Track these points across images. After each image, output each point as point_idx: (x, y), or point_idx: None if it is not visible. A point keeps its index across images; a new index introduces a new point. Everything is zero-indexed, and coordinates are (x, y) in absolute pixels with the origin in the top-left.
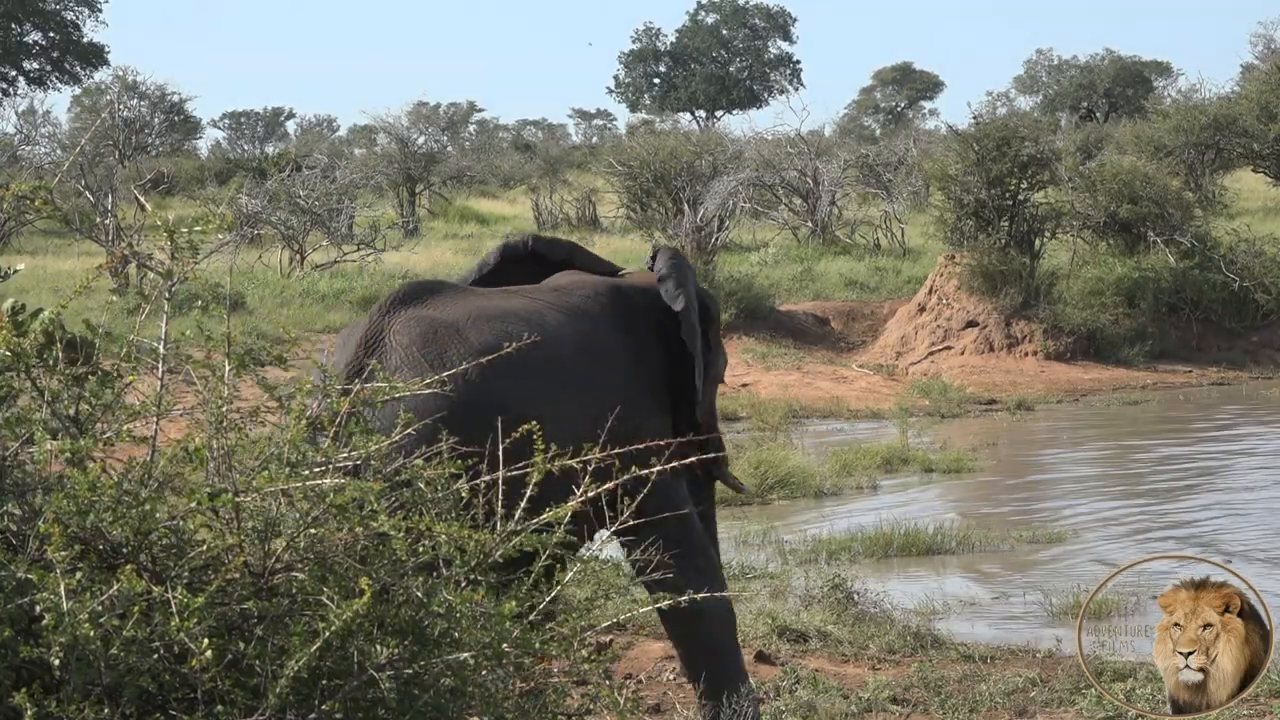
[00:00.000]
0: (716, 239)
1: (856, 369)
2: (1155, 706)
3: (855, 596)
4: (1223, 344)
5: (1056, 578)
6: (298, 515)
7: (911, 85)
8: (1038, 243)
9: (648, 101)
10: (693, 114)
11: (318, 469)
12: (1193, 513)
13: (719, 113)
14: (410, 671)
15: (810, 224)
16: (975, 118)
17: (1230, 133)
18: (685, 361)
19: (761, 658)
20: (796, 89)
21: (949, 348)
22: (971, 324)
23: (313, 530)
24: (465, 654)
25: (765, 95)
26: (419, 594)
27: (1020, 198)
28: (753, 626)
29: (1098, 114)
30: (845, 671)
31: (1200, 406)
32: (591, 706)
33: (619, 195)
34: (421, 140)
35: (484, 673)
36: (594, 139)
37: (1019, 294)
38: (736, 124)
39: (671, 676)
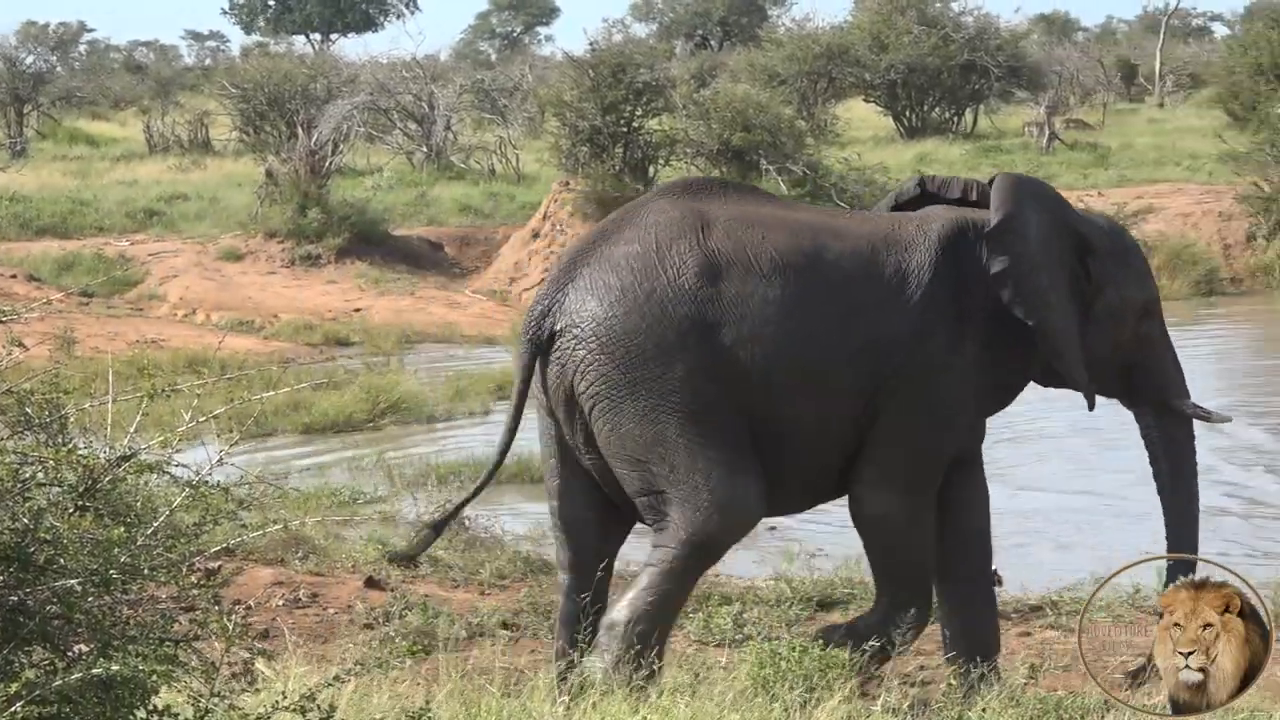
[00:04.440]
0: (330, 163)
1: (470, 295)
2: (762, 630)
3: (466, 522)
4: None
5: None
6: None
7: (528, 11)
8: (652, 169)
9: (262, 24)
10: (308, 37)
11: None
12: None
13: (334, 36)
14: (15, 599)
15: (425, 149)
16: (591, 44)
17: (842, 62)
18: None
19: (371, 583)
20: (412, 13)
21: None
22: None
23: None
24: (72, 580)
25: (381, 19)
26: (25, 519)
27: (635, 125)
28: (363, 552)
29: (712, 42)
30: (456, 597)
31: None
32: (200, 632)
33: (232, 118)
34: (30, 60)
35: (91, 600)
36: (207, 61)
37: None
38: (352, 47)
39: (281, 603)
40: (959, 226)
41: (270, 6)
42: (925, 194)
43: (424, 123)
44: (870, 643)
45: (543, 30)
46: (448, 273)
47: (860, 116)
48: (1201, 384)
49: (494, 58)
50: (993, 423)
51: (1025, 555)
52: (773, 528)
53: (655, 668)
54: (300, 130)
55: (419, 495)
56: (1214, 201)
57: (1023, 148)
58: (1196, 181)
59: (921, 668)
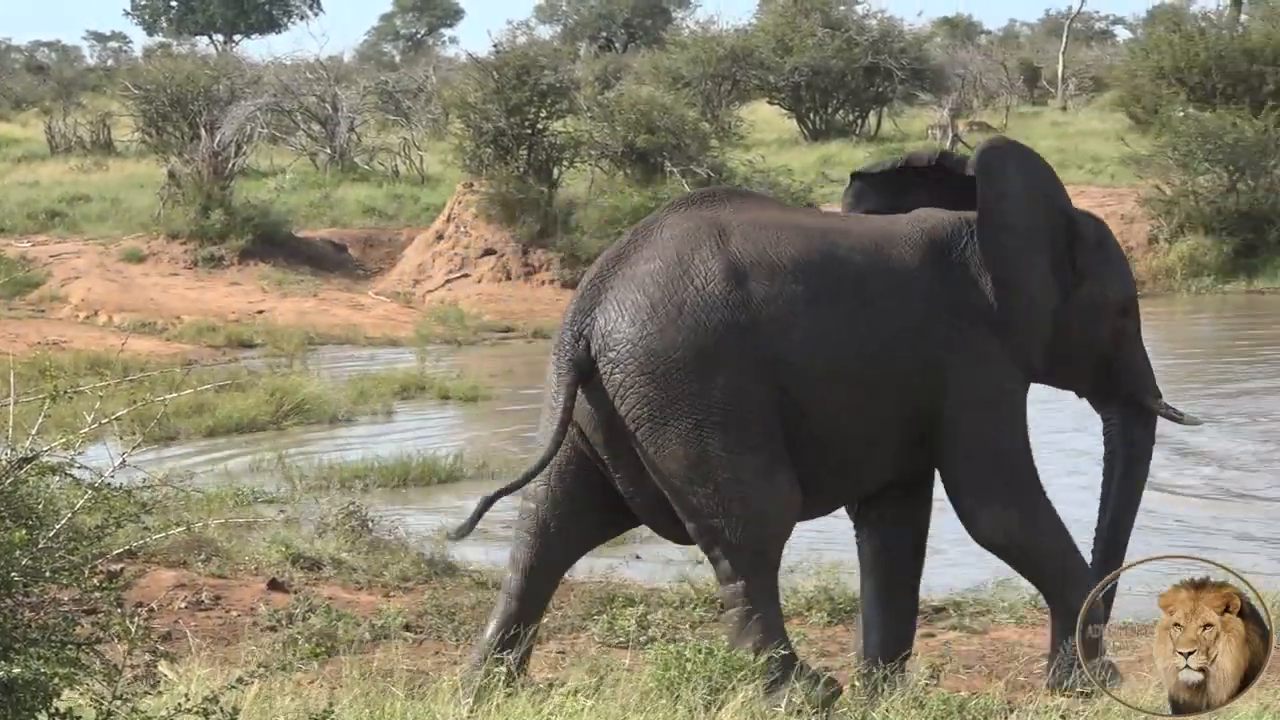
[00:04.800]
0: (233, 164)
1: (374, 297)
2: (666, 631)
3: (370, 524)
4: None
5: None
6: None
7: (432, 13)
8: (556, 171)
9: (165, 25)
10: (211, 38)
11: None
12: None
13: (237, 37)
14: None
15: (329, 150)
16: (495, 46)
17: (747, 65)
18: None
19: (274, 585)
20: (316, 14)
21: (467, 275)
22: (489, 252)
23: None
24: None
25: (284, 20)
26: None
27: (539, 126)
28: (266, 554)
29: (617, 44)
30: (359, 599)
31: None
32: (102, 635)
33: (134, 119)
34: None
35: None
36: (109, 62)
37: (537, 222)
38: (255, 48)
39: (184, 605)
40: (956, 225)
41: (173, 7)
42: (938, 167)
43: (327, 124)
44: (1090, 656)
45: (447, 32)
46: (351, 274)
47: (764, 119)
48: None
49: (398, 59)
50: None
51: (929, 557)
52: None
53: (820, 676)
54: (203, 131)
55: (322, 497)
56: (1116, 204)
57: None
58: (1099, 184)
59: (825, 668)
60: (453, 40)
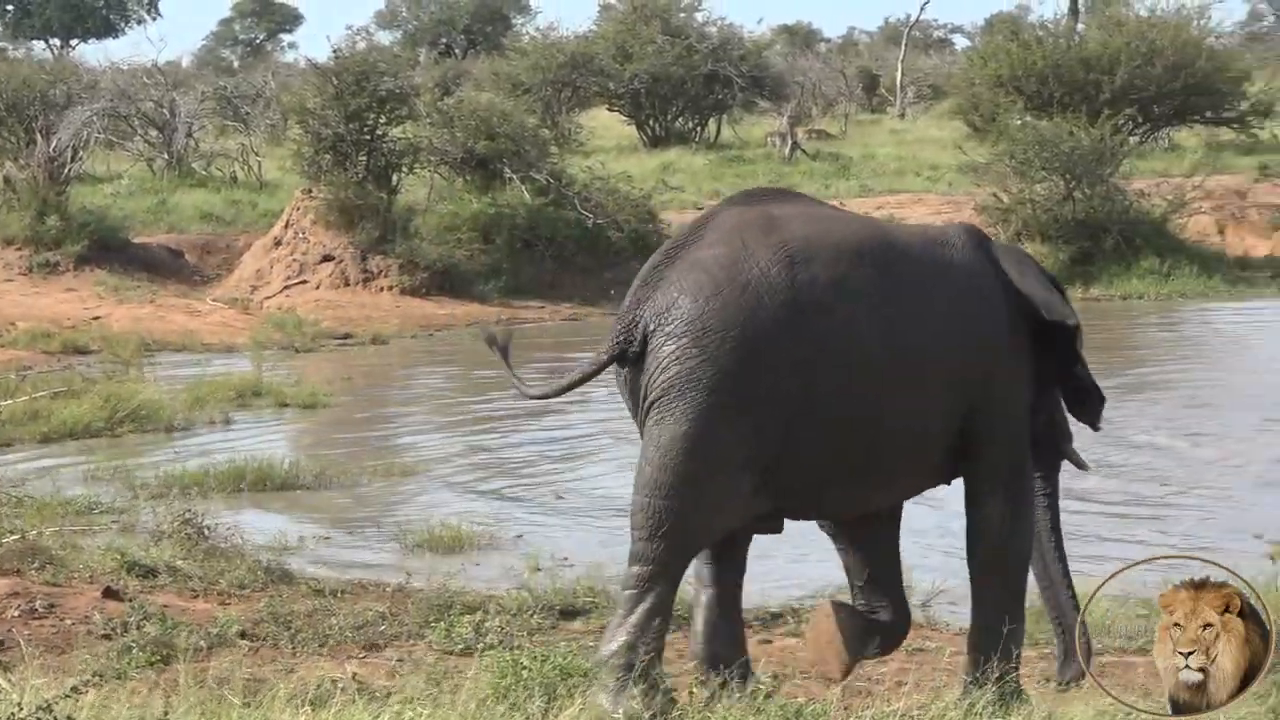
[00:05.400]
0: (70, 169)
1: (211, 303)
2: (504, 639)
3: (206, 531)
4: (576, 281)
5: (410, 512)
6: None
7: (270, 18)
8: (395, 178)
9: (0, 28)
10: (47, 42)
11: None
12: (537, 445)
13: (74, 41)
14: None
15: (166, 156)
16: (335, 52)
17: (586, 71)
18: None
19: (109, 593)
20: (154, 19)
21: (305, 282)
22: (328, 258)
23: None
24: None
25: (121, 24)
26: None
27: (378, 132)
28: (101, 562)
29: (457, 50)
30: (195, 607)
31: (552, 341)
32: None
33: None
34: None
35: None
36: None
37: (376, 229)
38: (92, 53)
39: (17, 613)
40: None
41: (8, 11)
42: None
43: (165, 129)
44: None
45: (286, 37)
46: (188, 280)
47: (604, 125)
48: None
49: (237, 64)
50: None
51: (766, 563)
52: (519, 535)
53: (659, 683)
54: (39, 136)
55: (159, 505)
56: (954, 212)
57: (765, 158)
58: (937, 192)
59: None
60: (292, 46)
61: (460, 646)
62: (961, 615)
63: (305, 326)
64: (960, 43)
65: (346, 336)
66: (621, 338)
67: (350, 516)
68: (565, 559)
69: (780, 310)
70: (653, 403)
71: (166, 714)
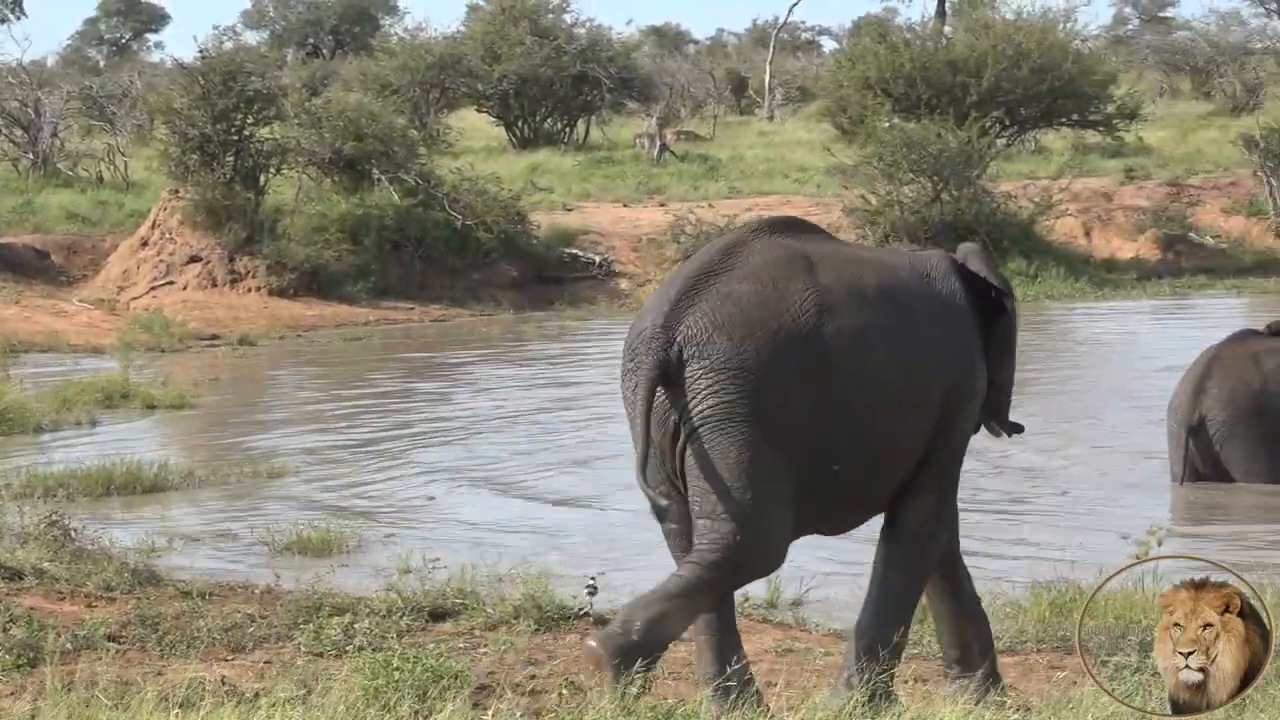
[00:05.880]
0: None
1: (78, 304)
2: (374, 641)
3: (73, 533)
4: (445, 282)
5: (278, 513)
6: None
7: (137, 17)
8: (263, 178)
9: None
10: None
11: None
12: (406, 443)
13: None
14: None
15: (31, 156)
16: (201, 52)
17: (455, 72)
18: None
19: None
20: (18, 18)
21: (172, 282)
22: (195, 259)
23: None
24: None
25: None
26: None
27: (246, 133)
28: None
29: (324, 50)
30: (62, 609)
31: (420, 342)
32: None
33: None
34: None
35: None
36: None
37: (243, 229)
38: None
39: None
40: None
41: None
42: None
43: (30, 129)
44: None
45: (152, 37)
46: (54, 281)
47: (473, 126)
48: None
49: (103, 64)
50: (606, 440)
51: (639, 565)
52: (390, 535)
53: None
54: None
55: (25, 507)
56: (822, 214)
57: (634, 159)
58: (805, 194)
59: (533, 676)
60: (158, 45)
61: (330, 648)
62: (832, 617)
63: (172, 327)
64: (828, 45)
65: (214, 337)
66: (661, 354)
67: (219, 518)
68: (436, 560)
69: (811, 359)
70: (695, 429)
71: (34, 717)
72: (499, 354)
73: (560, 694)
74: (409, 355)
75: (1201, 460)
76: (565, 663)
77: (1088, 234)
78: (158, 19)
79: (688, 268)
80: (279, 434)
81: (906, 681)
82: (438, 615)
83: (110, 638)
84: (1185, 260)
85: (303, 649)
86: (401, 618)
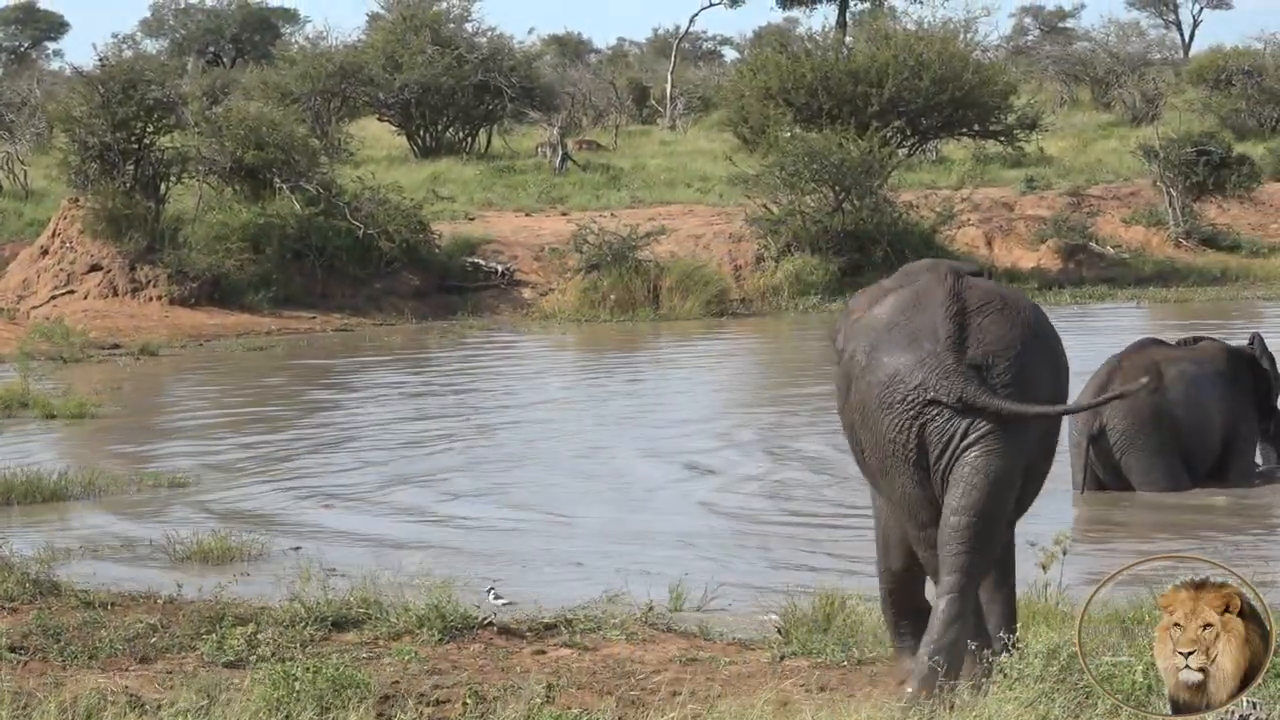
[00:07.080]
0: None
1: None
2: (277, 651)
3: None
4: (347, 290)
5: (179, 522)
6: None
7: (35, 25)
8: (163, 187)
9: None
10: None
11: None
12: (317, 449)
13: None
14: None
15: None
16: (101, 60)
17: (356, 81)
18: None
19: None
20: None
21: (72, 291)
22: (95, 268)
23: None
24: None
25: None
26: None
27: (146, 141)
28: None
29: (225, 59)
30: None
31: (323, 352)
32: None
33: None
34: None
35: None
36: None
37: (144, 238)
38: None
39: None
40: None
41: None
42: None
43: None
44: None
45: (51, 45)
46: None
47: (374, 135)
48: (708, 404)
49: (1, 72)
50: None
51: (540, 572)
52: (298, 547)
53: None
54: None
55: None
56: (724, 223)
57: (536, 168)
58: (707, 204)
59: (437, 686)
60: (57, 53)
61: (232, 659)
62: (733, 627)
63: (73, 336)
64: (730, 55)
65: (115, 347)
66: (962, 379)
67: (120, 527)
68: (334, 569)
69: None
70: (979, 437)
71: None
72: (400, 362)
73: (464, 703)
74: (310, 364)
75: (1102, 469)
76: (469, 672)
77: (989, 244)
78: (56, 27)
79: (949, 295)
80: (180, 443)
81: (812, 691)
82: (341, 625)
83: (12, 648)
84: (1086, 270)
85: (205, 659)
86: (305, 627)
